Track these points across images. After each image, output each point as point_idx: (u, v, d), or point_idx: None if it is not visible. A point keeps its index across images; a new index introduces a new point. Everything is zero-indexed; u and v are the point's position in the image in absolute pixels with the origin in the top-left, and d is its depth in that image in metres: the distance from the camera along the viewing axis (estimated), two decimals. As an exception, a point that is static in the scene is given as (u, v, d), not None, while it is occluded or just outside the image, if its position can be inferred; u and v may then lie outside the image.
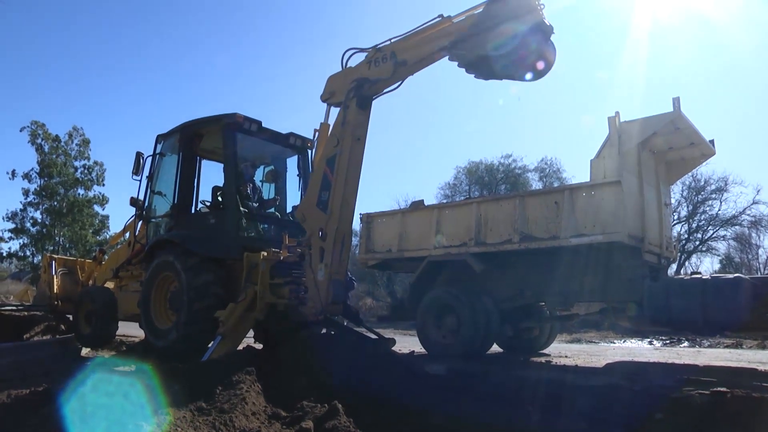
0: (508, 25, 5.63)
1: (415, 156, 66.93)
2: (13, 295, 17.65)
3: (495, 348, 9.55)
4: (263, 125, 8.16)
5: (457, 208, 9.66)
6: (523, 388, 5.84)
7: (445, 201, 26.37)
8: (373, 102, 6.86)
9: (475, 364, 7.45)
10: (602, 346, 13.28)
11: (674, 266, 21.48)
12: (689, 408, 4.58)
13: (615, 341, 14.78)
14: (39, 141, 26.58)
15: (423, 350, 9.02)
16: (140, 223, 9.18)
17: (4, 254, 27.45)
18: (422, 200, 10.32)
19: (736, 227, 24.94)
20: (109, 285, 9.77)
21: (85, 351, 8.85)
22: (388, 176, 64.00)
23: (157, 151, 8.80)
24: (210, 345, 6.78)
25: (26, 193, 26.74)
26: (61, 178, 26.86)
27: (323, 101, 7.13)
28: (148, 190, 8.83)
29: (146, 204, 8.84)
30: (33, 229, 26.80)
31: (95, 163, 28.00)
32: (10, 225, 26.64)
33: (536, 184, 29.16)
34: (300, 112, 71.87)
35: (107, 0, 70.67)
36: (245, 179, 8.45)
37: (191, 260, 7.29)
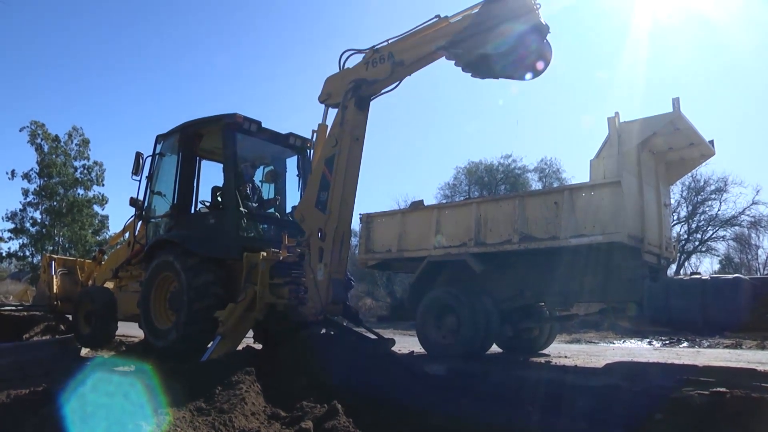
0: (507, 25, 5.64)
1: (415, 156, 67.02)
2: (13, 295, 17.64)
3: (495, 348, 9.55)
4: (263, 125, 8.16)
5: (456, 209, 9.65)
6: (523, 388, 5.84)
7: (444, 201, 26.38)
8: (372, 102, 6.89)
9: (475, 365, 7.45)
10: (602, 346, 13.28)
11: (674, 266, 21.50)
12: (689, 408, 4.59)
13: (614, 341, 14.79)
14: (38, 141, 26.61)
15: (423, 350, 9.02)
16: (140, 223, 9.17)
17: (4, 254, 27.51)
18: (422, 200, 10.33)
19: (736, 228, 24.99)
20: (109, 285, 9.77)
21: (84, 351, 8.84)
22: (388, 176, 64.06)
23: (157, 151, 8.79)
24: (209, 345, 6.78)
25: (26, 193, 26.80)
26: (61, 178, 26.86)
27: (321, 102, 7.15)
28: (148, 190, 8.82)
29: (146, 204, 8.83)
30: (32, 229, 26.82)
31: (95, 163, 28.06)
32: (10, 225, 26.71)
33: (536, 185, 29.18)
34: (300, 112, 71.90)
35: (107, 0, 70.68)
36: (245, 179, 8.45)
37: (191, 260, 7.29)
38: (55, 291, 10.60)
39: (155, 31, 77.70)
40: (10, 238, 26.79)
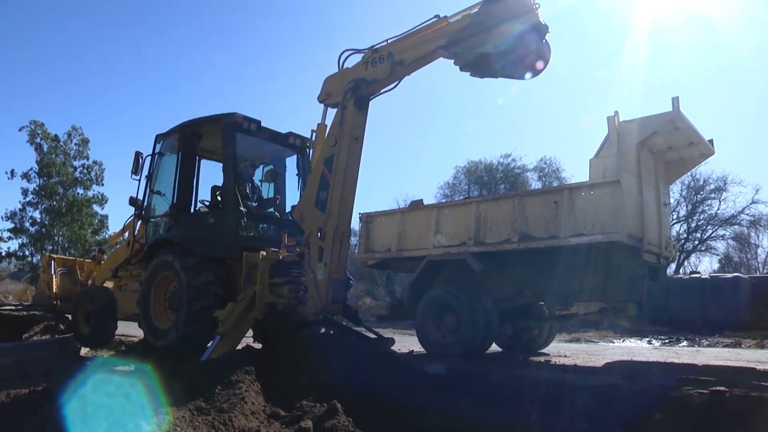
0: (507, 24, 5.65)
1: (415, 156, 67.02)
2: (12, 294, 17.63)
3: (494, 347, 9.55)
4: (262, 125, 8.16)
5: (456, 208, 9.66)
6: (523, 387, 5.84)
7: (444, 200, 26.38)
8: (371, 102, 6.89)
9: (475, 364, 7.45)
10: (601, 345, 13.28)
11: (673, 266, 21.51)
12: (688, 407, 4.59)
13: (614, 341, 14.79)
14: (38, 140, 26.54)
15: (422, 350, 9.02)
16: (139, 222, 9.17)
17: (3, 254, 27.45)
18: (421, 200, 10.35)
19: (735, 227, 25.00)
20: (109, 285, 9.77)
21: (84, 351, 8.85)
22: (388, 176, 64.08)
23: (157, 150, 8.79)
24: (209, 345, 6.78)
25: (25, 192, 26.73)
26: (60, 178, 26.82)
27: (320, 102, 7.15)
28: (148, 190, 8.82)
29: (145, 203, 8.83)
30: (32, 229, 26.77)
31: (94, 162, 27.98)
32: (9, 224, 26.65)
33: (535, 184, 29.19)
34: (299, 112, 71.94)
35: (107, 0, 70.64)
36: (244, 179, 8.44)
37: (191, 260, 7.29)
38: (54, 291, 10.60)
39: (155, 31, 77.75)
40: (9, 238, 26.78)
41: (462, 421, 4.32)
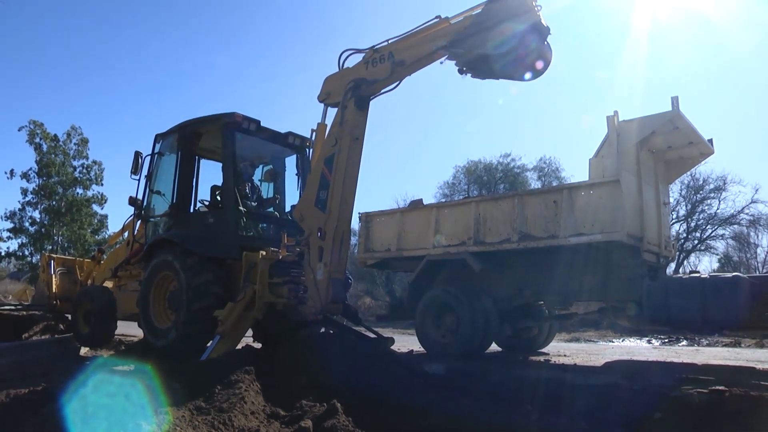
0: (507, 24, 5.64)
1: (415, 155, 67.02)
2: (12, 294, 17.61)
3: (494, 347, 9.56)
4: (262, 124, 8.16)
5: (455, 208, 9.65)
6: (522, 387, 5.85)
7: (444, 200, 26.38)
8: (371, 102, 6.87)
9: (474, 364, 7.45)
10: (601, 345, 13.28)
11: (673, 265, 21.52)
12: (688, 407, 4.60)
13: (614, 340, 14.79)
14: (37, 140, 26.49)
15: (422, 349, 9.02)
16: (139, 222, 9.17)
17: (3, 254, 27.40)
18: (421, 199, 10.34)
19: (735, 226, 25.02)
20: (108, 284, 9.77)
21: (84, 350, 8.85)
22: (388, 176, 64.07)
23: (156, 150, 8.78)
24: (209, 344, 6.78)
25: (25, 192, 26.67)
26: (60, 178, 26.77)
27: (320, 101, 7.14)
28: (147, 190, 8.81)
29: (145, 203, 8.82)
30: (32, 229, 26.72)
31: (94, 162, 27.93)
32: (9, 224, 26.59)
33: (535, 184, 29.21)
34: (299, 112, 71.95)
35: (107, 0, 70.59)
36: (244, 178, 8.44)
37: (190, 260, 7.29)
38: (54, 290, 10.59)
39: (155, 31, 77.72)
40: (9, 238, 26.72)
41: (462, 421, 4.32)
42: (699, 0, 33.10)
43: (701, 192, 24.77)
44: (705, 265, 27.19)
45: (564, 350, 10.18)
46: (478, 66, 6.04)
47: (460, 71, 6.17)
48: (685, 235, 25.04)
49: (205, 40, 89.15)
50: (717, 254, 25.95)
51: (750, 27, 34.35)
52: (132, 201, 8.81)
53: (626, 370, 6.49)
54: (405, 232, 9.49)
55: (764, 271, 23.98)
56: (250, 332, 7.92)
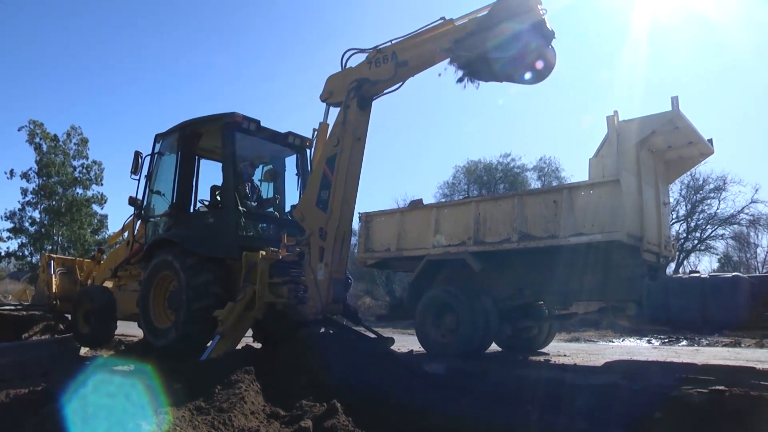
0: (507, 24, 5.63)
1: (415, 155, 67.03)
2: (12, 294, 17.61)
3: (494, 347, 9.55)
4: (262, 124, 8.16)
5: (455, 207, 9.65)
6: (522, 387, 5.84)
7: (443, 200, 26.38)
8: (373, 102, 6.86)
9: (474, 363, 7.45)
10: (601, 345, 13.29)
11: (673, 265, 21.51)
12: (688, 407, 4.60)
13: (614, 340, 14.79)
14: (37, 140, 26.49)
15: (422, 349, 9.02)
16: (139, 222, 9.17)
17: (3, 254, 27.40)
18: (421, 199, 10.34)
19: (735, 226, 25.00)
20: (108, 284, 9.77)
21: (84, 350, 8.85)
22: (388, 175, 64.07)
23: (156, 150, 8.78)
24: (209, 344, 6.78)
25: (25, 192, 26.67)
26: (60, 178, 26.77)
27: (322, 101, 7.13)
28: (147, 190, 8.82)
29: (145, 203, 8.83)
30: (31, 229, 26.72)
31: (94, 162, 27.93)
32: (9, 224, 26.60)
33: (535, 183, 29.19)
34: (299, 112, 72.06)
35: (107, 0, 70.60)
36: (244, 178, 8.44)
37: (190, 260, 7.29)
38: (54, 290, 10.60)
39: (155, 31, 77.74)
40: (9, 238, 26.72)
41: (462, 421, 4.32)
42: (699, 0, 33.12)
43: (701, 192, 24.79)
44: (705, 265, 27.20)
45: (564, 350, 10.18)
46: (479, 67, 6.02)
47: (459, 80, 6.08)
48: (685, 235, 25.05)
49: (205, 40, 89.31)
50: (717, 254, 25.98)
51: (750, 27, 34.40)
52: (132, 201, 8.81)
53: (626, 370, 6.48)
54: (405, 232, 9.49)
55: (764, 271, 23.98)
56: (250, 332, 7.92)
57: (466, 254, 8.56)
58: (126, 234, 10.07)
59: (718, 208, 24.60)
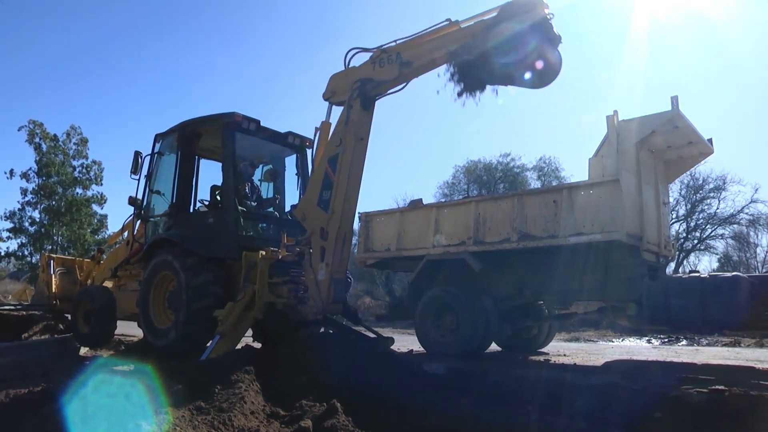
0: (507, 23, 5.62)
1: (415, 155, 67.03)
2: (12, 294, 17.60)
3: (494, 347, 9.55)
4: (262, 124, 8.15)
5: (455, 207, 9.65)
6: (522, 387, 5.84)
7: (443, 200, 26.38)
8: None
9: (474, 363, 7.45)
10: (601, 344, 13.28)
11: (672, 265, 21.51)
12: (688, 406, 4.60)
13: (613, 340, 14.79)
14: (37, 140, 26.47)
15: (422, 349, 9.02)
16: (139, 222, 9.17)
17: (3, 254, 27.41)
18: (421, 199, 10.34)
19: (735, 226, 24.99)
20: (108, 284, 9.77)
21: (83, 350, 8.85)
22: (388, 175, 64.07)
23: (156, 150, 8.78)
24: (209, 344, 6.78)
25: (24, 192, 26.66)
26: (60, 178, 26.76)
27: (325, 100, 7.11)
28: (147, 189, 8.82)
29: (145, 203, 8.83)
30: (31, 229, 26.71)
31: (93, 162, 27.92)
32: (9, 224, 26.59)
33: (535, 183, 29.18)
34: (299, 112, 72.10)
35: (107, 0, 70.59)
36: (244, 178, 8.44)
37: (190, 259, 7.29)
38: (54, 290, 10.59)
39: (155, 31, 77.74)
40: (8, 238, 26.72)
41: (461, 421, 4.31)
42: (699, 0, 33.12)
43: (701, 192, 24.79)
44: (705, 264, 27.19)
45: (564, 350, 10.18)
46: (479, 68, 5.98)
47: (459, 94, 6.01)
48: (684, 234, 25.04)
49: (205, 40, 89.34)
50: (717, 254, 25.97)
51: (750, 27, 34.41)
52: (132, 201, 8.81)
53: (626, 370, 6.49)
54: (405, 231, 9.49)
55: (764, 270, 23.99)
56: (250, 332, 7.92)
57: (466, 254, 8.56)
58: (126, 234, 10.06)
59: (717, 208, 24.64)
